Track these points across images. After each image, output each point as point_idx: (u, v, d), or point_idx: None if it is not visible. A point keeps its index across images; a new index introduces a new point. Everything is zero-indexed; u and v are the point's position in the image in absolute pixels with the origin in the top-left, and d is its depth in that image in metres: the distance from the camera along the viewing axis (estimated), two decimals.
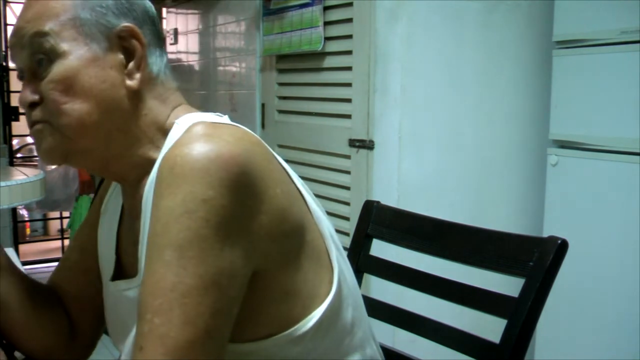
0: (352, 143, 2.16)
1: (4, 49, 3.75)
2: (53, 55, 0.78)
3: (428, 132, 2.06)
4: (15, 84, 3.86)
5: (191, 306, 0.64)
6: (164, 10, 3.81)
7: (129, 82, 0.80)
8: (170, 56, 3.60)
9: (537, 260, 0.92)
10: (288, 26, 2.45)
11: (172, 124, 0.81)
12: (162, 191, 0.68)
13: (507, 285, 0.97)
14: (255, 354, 0.75)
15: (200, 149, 0.68)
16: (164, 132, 0.82)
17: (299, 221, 0.76)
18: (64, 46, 0.78)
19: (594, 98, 1.85)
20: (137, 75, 0.80)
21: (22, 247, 4.33)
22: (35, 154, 4.90)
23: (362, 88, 2.11)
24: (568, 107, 1.93)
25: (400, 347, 1.09)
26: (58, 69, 0.78)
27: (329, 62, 2.31)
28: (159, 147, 0.81)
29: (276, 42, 2.54)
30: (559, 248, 0.91)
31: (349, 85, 2.18)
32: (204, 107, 2.51)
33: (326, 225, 0.83)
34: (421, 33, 2.02)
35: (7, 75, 3.74)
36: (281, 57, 2.60)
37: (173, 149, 0.70)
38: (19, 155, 4.81)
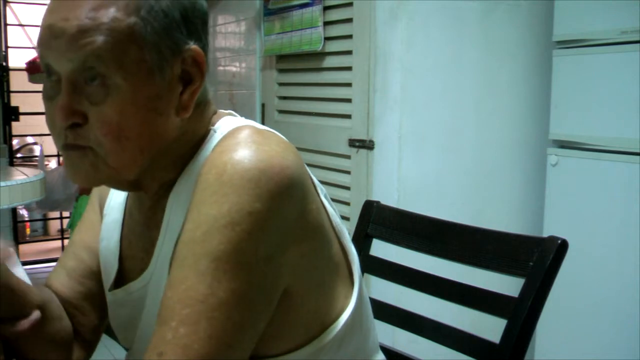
0: (352, 143, 2.16)
1: (4, 48, 3.75)
2: (111, 83, 0.68)
3: (428, 132, 2.06)
4: (15, 84, 3.85)
5: (219, 320, 0.63)
6: None
7: (182, 113, 0.73)
8: None
9: (537, 260, 0.92)
10: (289, 26, 2.45)
11: (209, 131, 0.78)
12: (207, 198, 0.65)
13: (507, 285, 0.97)
14: None
15: (251, 157, 0.66)
16: (199, 143, 0.77)
17: (326, 236, 0.76)
18: (125, 74, 0.68)
19: (594, 98, 1.85)
20: (190, 105, 0.74)
21: (22, 247, 4.33)
22: (35, 154, 4.90)
23: (362, 88, 2.11)
24: (568, 107, 1.93)
25: (400, 347, 1.09)
26: (116, 102, 0.68)
27: (329, 62, 2.31)
28: (189, 160, 0.77)
29: (277, 42, 2.54)
30: (559, 248, 0.91)
31: (349, 85, 2.18)
32: None
33: (348, 238, 0.82)
34: (421, 33, 2.02)
35: (7, 75, 3.74)
36: (281, 57, 2.60)
37: (221, 154, 0.67)
38: (19, 155, 4.80)
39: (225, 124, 0.78)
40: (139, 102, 0.69)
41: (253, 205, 0.64)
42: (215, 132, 0.78)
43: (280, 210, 0.66)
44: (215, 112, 0.82)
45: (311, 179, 0.76)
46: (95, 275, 0.91)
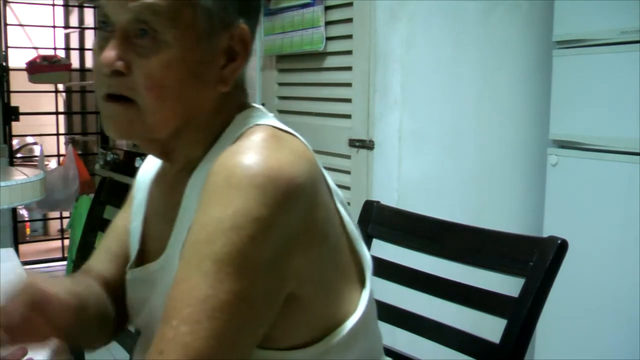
0: (352, 143, 2.16)
1: (4, 48, 3.75)
2: (161, 39, 0.71)
3: (428, 132, 2.06)
4: (15, 84, 3.86)
5: (220, 321, 0.63)
6: None
7: (221, 86, 0.76)
8: None
9: (537, 260, 0.92)
10: (289, 26, 2.45)
11: (234, 117, 0.79)
12: (214, 199, 0.66)
13: (507, 285, 0.97)
14: None
15: (261, 163, 0.66)
16: (225, 125, 0.79)
17: (334, 243, 0.76)
18: (176, 33, 0.71)
19: (594, 98, 1.85)
20: (230, 80, 0.76)
21: (22, 247, 4.32)
22: (35, 154, 4.90)
23: (362, 88, 2.11)
24: (568, 107, 1.93)
25: (400, 347, 1.09)
26: (163, 58, 0.71)
27: (329, 62, 2.31)
28: (214, 140, 0.78)
29: (277, 42, 2.54)
30: (559, 248, 0.91)
31: (349, 85, 2.18)
32: None
33: (362, 244, 0.82)
34: (421, 33, 2.02)
35: (7, 75, 3.74)
36: (281, 57, 2.60)
37: (232, 156, 0.68)
38: (19, 155, 4.81)
39: (250, 115, 0.79)
40: (184, 62, 0.72)
41: (259, 211, 0.64)
42: (239, 120, 0.78)
43: (285, 219, 0.66)
44: (246, 102, 0.83)
45: (327, 186, 0.77)
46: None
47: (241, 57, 0.77)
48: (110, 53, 0.71)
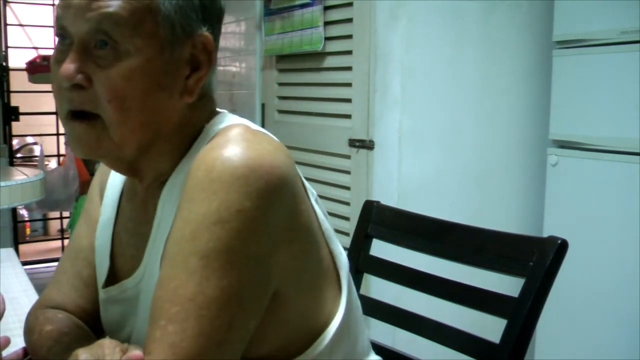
0: (352, 143, 2.16)
1: (4, 48, 3.75)
2: (122, 50, 0.69)
3: (428, 132, 2.06)
4: (15, 84, 3.85)
5: (208, 319, 0.62)
6: None
7: (186, 97, 0.74)
8: None
9: (537, 260, 0.92)
10: (289, 26, 2.45)
11: (203, 127, 0.77)
12: (196, 195, 0.65)
13: (507, 285, 0.97)
14: None
15: (241, 154, 0.65)
16: (194, 136, 0.77)
17: (316, 239, 0.75)
18: (138, 43, 0.69)
19: (594, 98, 1.85)
20: (195, 90, 0.75)
21: (22, 247, 4.32)
22: (35, 154, 4.90)
23: (362, 88, 2.11)
24: (568, 107, 1.93)
25: (400, 347, 1.09)
26: (124, 68, 0.69)
27: (329, 62, 2.31)
28: (184, 152, 0.77)
29: (278, 42, 2.54)
30: (559, 248, 0.91)
31: (349, 85, 2.18)
32: None
33: (337, 243, 0.81)
34: (421, 33, 2.02)
35: (7, 75, 3.74)
36: (281, 57, 2.60)
37: (210, 151, 0.67)
38: (19, 155, 4.80)
39: (219, 121, 0.78)
40: (146, 72, 0.70)
41: (242, 203, 0.64)
42: (209, 128, 0.77)
43: (269, 210, 0.66)
44: (214, 110, 0.82)
45: (302, 182, 0.76)
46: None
47: (205, 66, 0.75)
48: (69, 66, 0.69)
